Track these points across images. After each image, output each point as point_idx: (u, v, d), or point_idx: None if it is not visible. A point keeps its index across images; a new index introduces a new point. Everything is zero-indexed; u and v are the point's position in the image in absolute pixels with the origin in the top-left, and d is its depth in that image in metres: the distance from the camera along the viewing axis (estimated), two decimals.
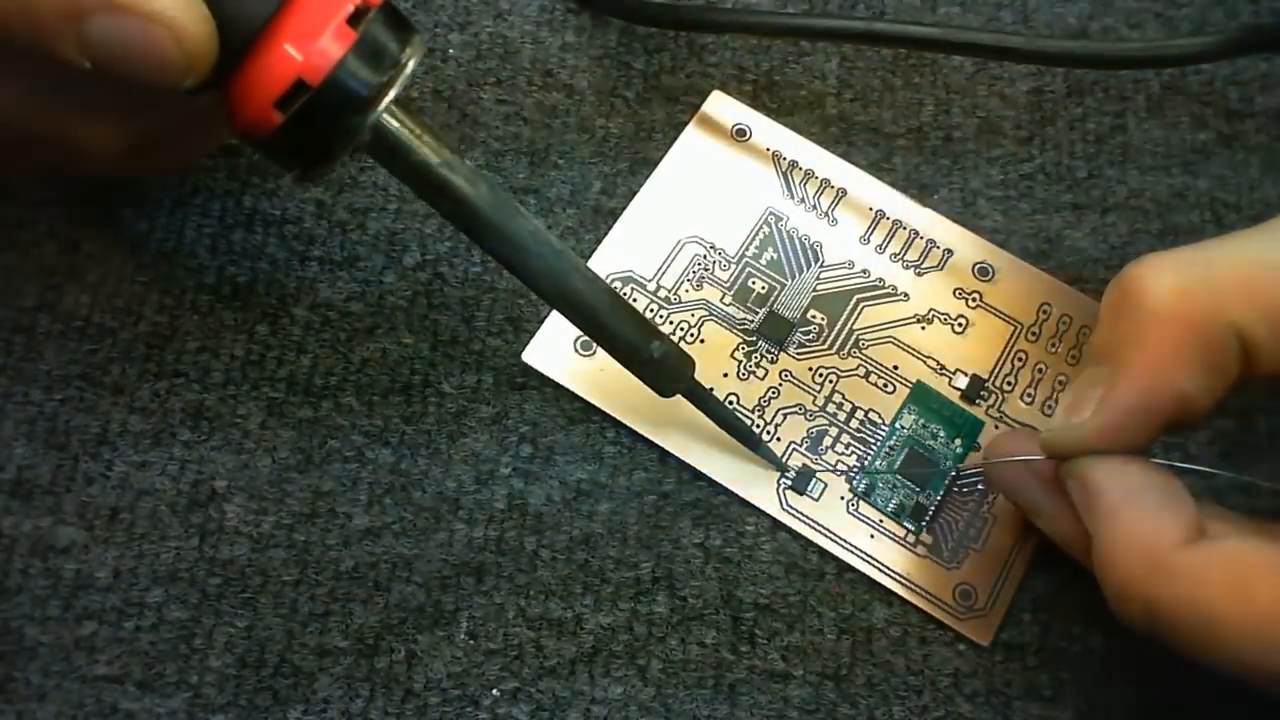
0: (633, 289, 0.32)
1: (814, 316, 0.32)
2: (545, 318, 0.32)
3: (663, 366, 0.28)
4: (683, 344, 0.32)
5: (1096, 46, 0.34)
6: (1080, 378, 0.26)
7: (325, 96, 0.24)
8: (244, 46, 0.24)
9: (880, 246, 0.33)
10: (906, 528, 0.30)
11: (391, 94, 0.24)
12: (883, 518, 0.30)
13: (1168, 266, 0.25)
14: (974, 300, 0.33)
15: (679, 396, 0.29)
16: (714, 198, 0.33)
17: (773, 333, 0.32)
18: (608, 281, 0.30)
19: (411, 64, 0.25)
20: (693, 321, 0.32)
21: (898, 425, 0.31)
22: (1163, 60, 0.33)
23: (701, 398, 0.29)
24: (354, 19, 0.24)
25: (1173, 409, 0.24)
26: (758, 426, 0.31)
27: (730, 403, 0.31)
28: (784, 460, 0.31)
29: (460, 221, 0.27)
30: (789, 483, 0.30)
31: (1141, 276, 0.25)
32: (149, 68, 0.23)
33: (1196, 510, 0.24)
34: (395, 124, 0.25)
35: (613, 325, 0.28)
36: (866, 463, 0.31)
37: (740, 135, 0.34)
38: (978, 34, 0.33)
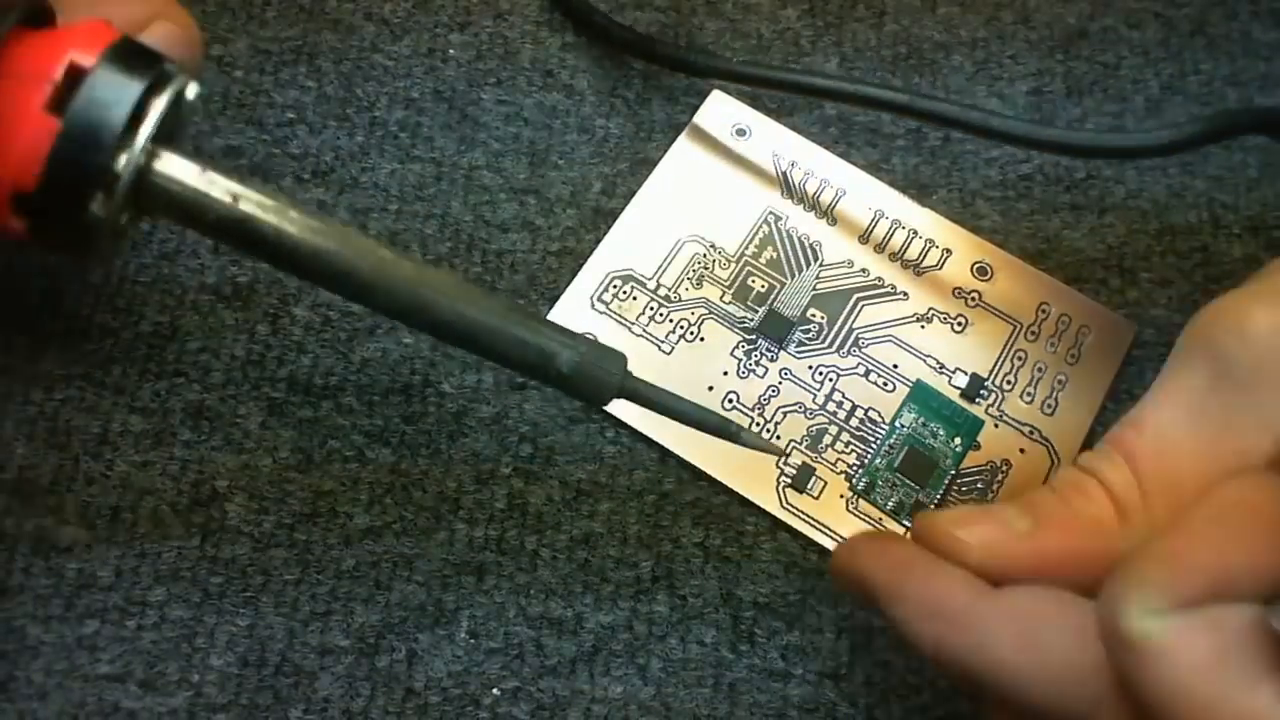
0: (633, 287, 0.32)
1: (814, 315, 0.32)
2: (545, 317, 0.32)
3: (577, 382, 0.24)
4: (682, 342, 0.32)
5: (1081, 137, 0.33)
6: (1016, 507, 0.25)
7: (65, 160, 0.21)
8: None
9: (880, 246, 0.33)
10: (906, 527, 0.30)
11: (145, 133, 0.22)
12: (882, 516, 0.30)
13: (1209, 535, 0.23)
14: (973, 300, 0.33)
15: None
16: (714, 197, 0.33)
17: (772, 331, 0.32)
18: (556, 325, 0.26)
19: (165, 98, 0.22)
20: (692, 320, 0.32)
21: (897, 424, 0.31)
22: (1123, 153, 0.33)
23: (646, 397, 0.25)
24: (63, 87, 0.21)
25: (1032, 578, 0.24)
26: (757, 425, 0.31)
27: (730, 401, 0.31)
28: (784, 461, 0.31)
29: (282, 264, 0.23)
30: (789, 481, 0.30)
31: (1098, 470, 0.25)
32: None
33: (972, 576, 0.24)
34: (169, 171, 0.22)
35: (502, 350, 0.24)
36: (868, 461, 0.31)
37: (740, 135, 0.34)
38: (945, 105, 0.32)
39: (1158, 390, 0.24)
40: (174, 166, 0.22)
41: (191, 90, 0.23)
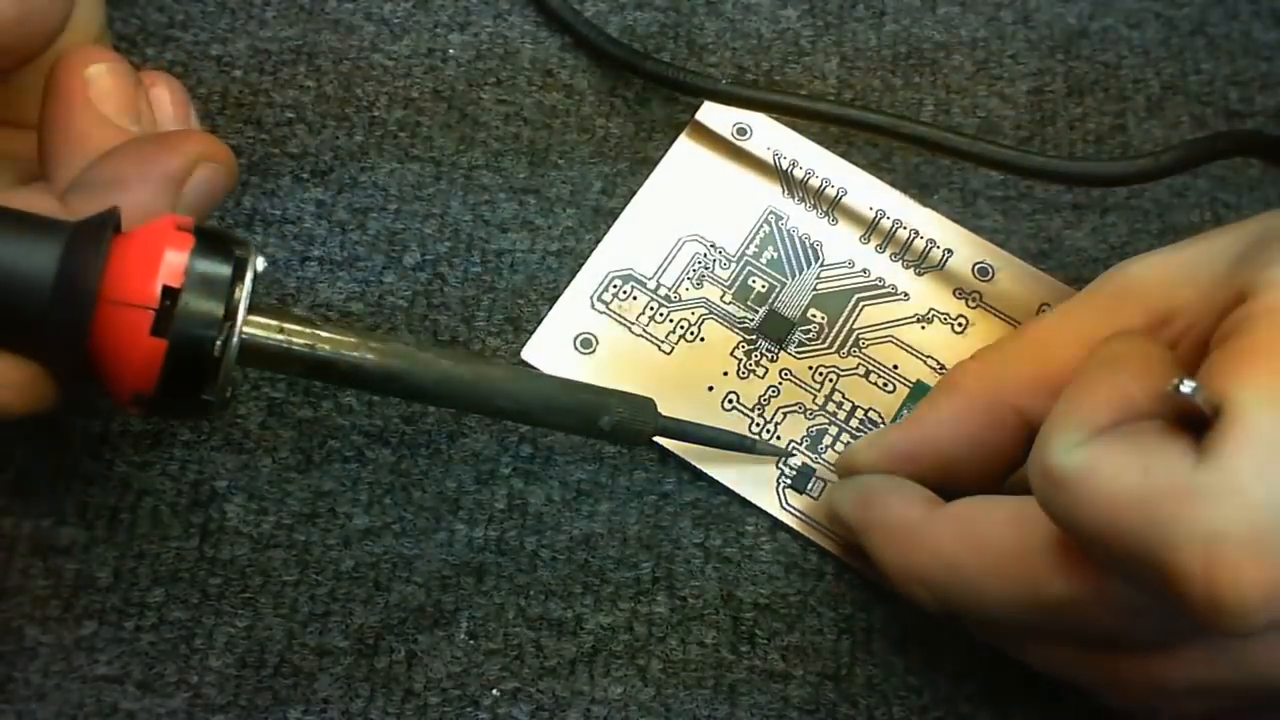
0: (633, 287, 0.32)
1: (814, 315, 0.32)
2: (544, 317, 0.32)
3: (619, 434, 0.28)
4: (682, 342, 0.32)
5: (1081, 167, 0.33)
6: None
7: (176, 369, 0.24)
8: (79, 368, 0.24)
9: (880, 246, 0.33)
10: None
11: (239, 325, 0.24)
12: None
13: (983, 351, 0.29)
14: (974, 300, 0.33)
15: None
16: (714, 197, 0.33)
17: (773, 331, 0.32)
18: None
19: (248, 282, 0.24)
20: (693, 320, 0.32)
21: None
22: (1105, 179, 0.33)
23: (676, 432, 0.30)
24: (163, 303, 0.24)
25: (932, 465, 0.28)
26: (757, 425, 0.31)
27: (730, 402, 0.31)
28: (778, 462, 0.31)
29: (360, 387, 0.26)
30: (789, 482, 0.30)
31: (962, 364, 0.29)
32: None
33: (928, 492, 0.27)
34: (259, 335, 0.25)
35: (554, 422, 0.28)
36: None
37: (740, 134, 0.34)
38: (928, 129, 0.32)
39: (1063, 302, 0.28)
40: (258, 330, 0.25)
41: (260, 263, 0.25)
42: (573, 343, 0.31)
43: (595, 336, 0.32)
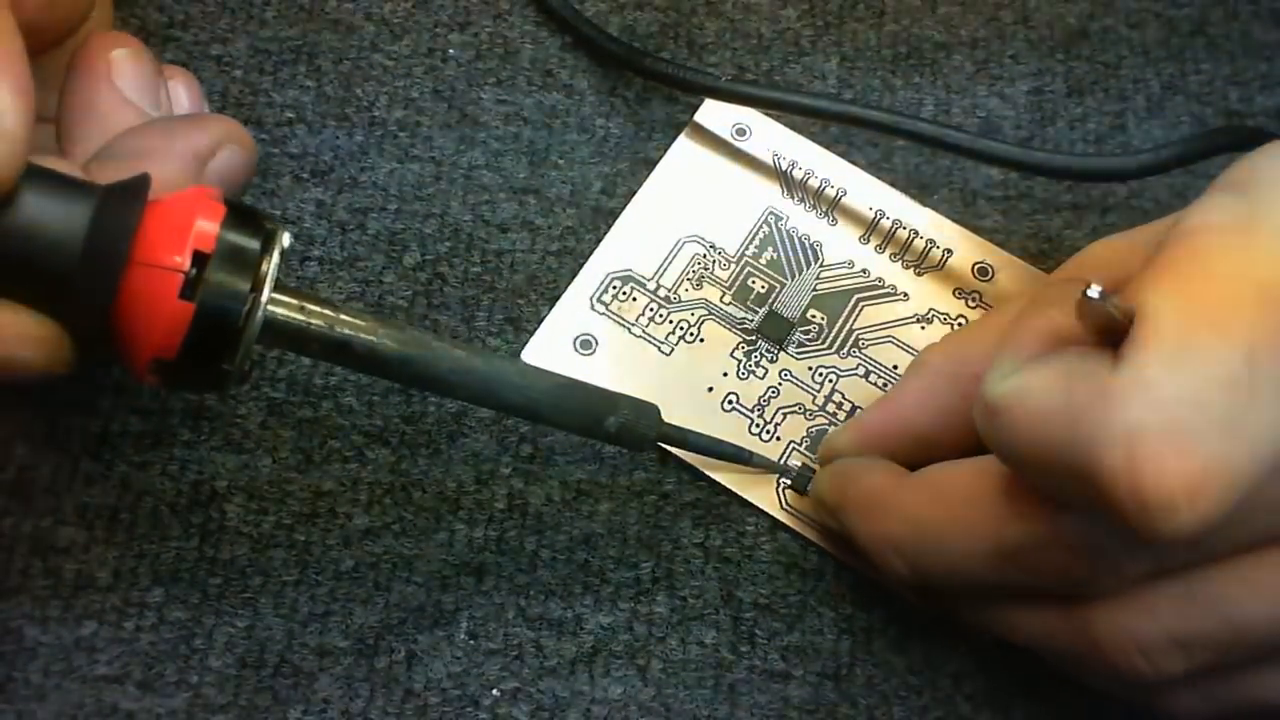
0: (633, 288, 0.32)
1: (814, 316, 0.32)
2: (544, 317, 0.32)
3: (623, 438, 0.28)
4: (682, 343, 0.32)
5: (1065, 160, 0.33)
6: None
7: (201, 335, 0.24)
8: (101, 330, 0.24)
9: (880, 246, 0.33)
10: None
11: (265, 298, 0.24)
12: None
13: (949, 334, 0.30)
14: (974, 300, 0.33)
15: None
16: (714, 197, 0.33)
17: (772, 332, 0.32)
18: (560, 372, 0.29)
19: (276, 256, 0.24)
20: (692, 321, 0.32)
21: None
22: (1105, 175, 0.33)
23: (679, 440, 0.30)
24: (193, 269, 0.24)
25: (906, 441, 0.28)
26: (757, 426, 0.31)
27: (730, 403, 0.31)
28: (783, 461, 0.31)
29: (375, 371, 0.26)
30: (789, 483, 0.30)
31: (929, 346, 0.29)
32: (13, 375, 0.25)
33: (898, 466, 0.28)
34: (281, 313, 0.25)
35: (560, 420, 0.28)
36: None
37: (740, 135, 0.34)
38: (929, 126, 0.32)
39: None
40: (280, 308, 0.25)
41: (287, 239, 0.25)
42: (573, 343, 0.31)
43: (595, 337, 0.32)
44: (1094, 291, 0.21)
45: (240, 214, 0.24)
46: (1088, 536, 0.23)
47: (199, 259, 0.24)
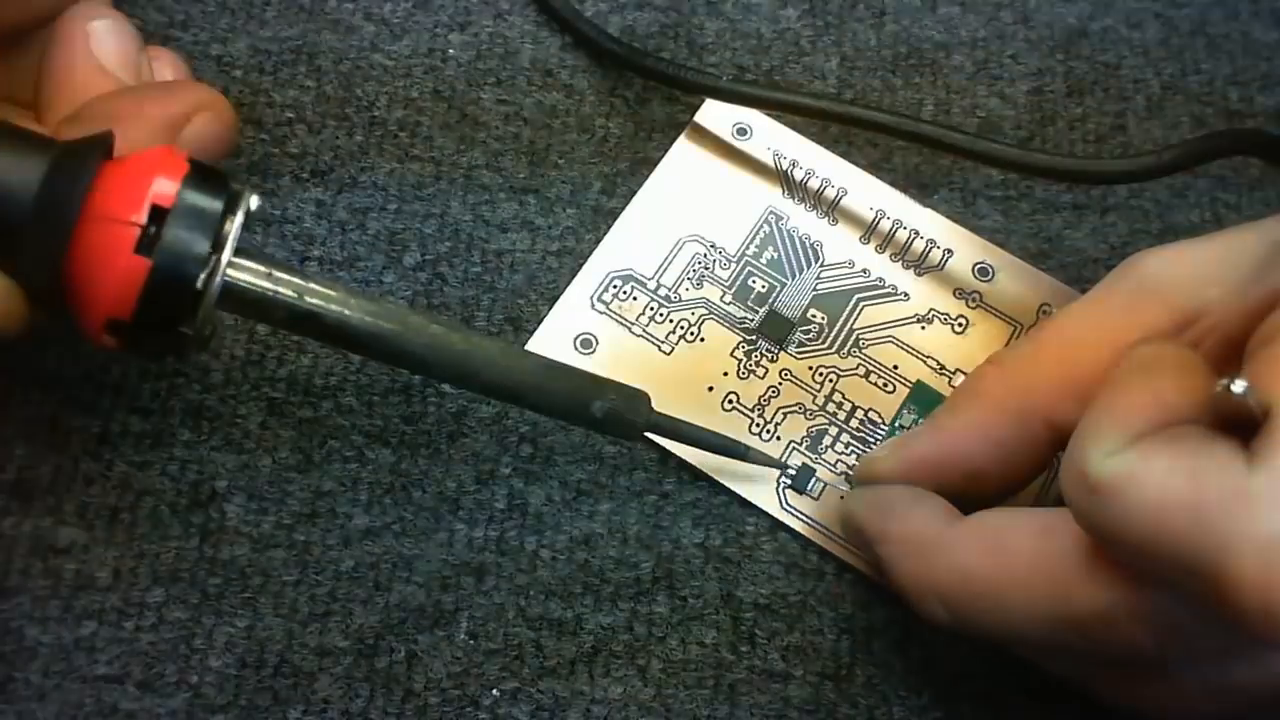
0: (633, 287, 0.32)
1: (814, 316, 0.32)
2: (544, 317, 0.32)
3: (610, 425, 0.28)
4: (682, 342, 0.32)
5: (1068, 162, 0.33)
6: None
7: (157, 293, 0.23)
8: (56, 289, 0.23)
9: (880, 246, 0.33)
10: None
11: (226, 258, 0.23)
12: None
13: (1004, 355, 0.28)
14: (974, 300, 0.33)
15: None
16: (714, 197, 0.33)
17: (773, 332, 0.32)
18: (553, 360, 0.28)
19: (240, 217, 0.24)
20: (693, 320, 0.32)
21: (898, 425, 0.31)
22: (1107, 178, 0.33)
23: (669, 429, 0.29)
24: (150, 224, 0.23)
25: (955, 475, 0.27)
26: (757, 425, 0.31)
27: (730, 402, 0.31)
28: (783, 460, 0.31)
29: (346, 345, 0.26)
30: (789, 482, 0.30)
31: (983, 369, 0.28)
32: None
33: (947, 504, 0.26)
34: (245, 278, 0.24)
35: (543, 404, 0.27)
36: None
37: (741, 134, 0.34)
38: (930, 127, 0.32)
39: (1080, 299, 0.28)
40: (244, 273, 0.24)
41: (254, 202, 0.24)
42: (573, 343, 0.31)
43: (595, 337, 0.32)
44: (1239, 387, 0.20)
45: (204, 173, 0.24)
46: (1168, 615, 0.22)
47: (158, 216, 0.23)
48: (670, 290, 0.32)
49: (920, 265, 0.33)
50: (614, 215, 0.33)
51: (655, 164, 0.34)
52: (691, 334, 0.32)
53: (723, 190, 0.33)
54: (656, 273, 0.32)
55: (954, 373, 0.32)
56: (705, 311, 0.32)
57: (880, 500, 0.27)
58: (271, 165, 0.33)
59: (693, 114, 0.34)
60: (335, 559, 0.29)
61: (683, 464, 0.30)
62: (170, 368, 0.30)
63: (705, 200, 0.33)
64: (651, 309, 0.32)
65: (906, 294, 0.33)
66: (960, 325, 0.32)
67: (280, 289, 0.24)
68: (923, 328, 0.32)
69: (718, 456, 0.30)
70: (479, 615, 0.29)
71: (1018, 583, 0.24)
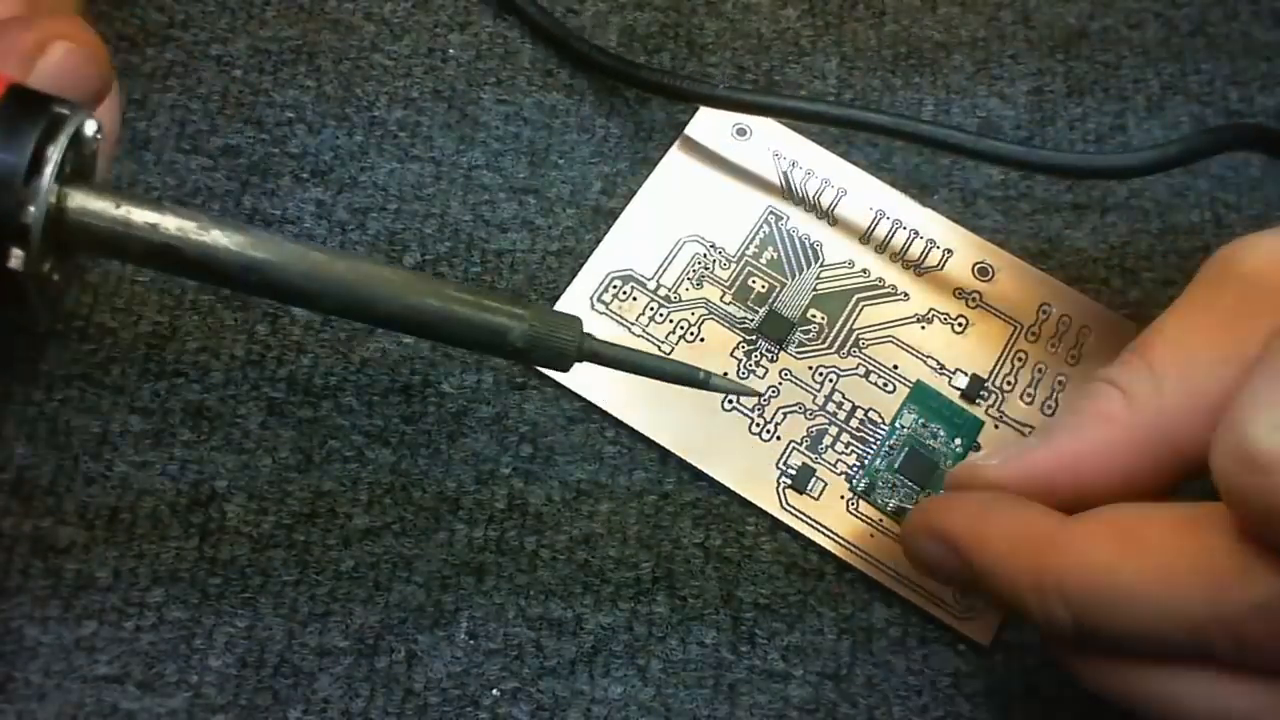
0: (633, 287, 0.32)
1: (814, 316, 0.32)
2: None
3: (535, 355, 0.24)
4: (682, 342, 0.32)
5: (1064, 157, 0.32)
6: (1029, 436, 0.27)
7: None
8: None
9: (880, 246, 0.33)
10: None
11: (45, 183, 0.22)
12: (883, 517, 0.30)
13: (1127, 378, 0.25)
14: (974, 300, 0.33)
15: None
16: (714, 197, 0.33)
17: (773, 332, 0.32)
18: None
19: (63, 140, 0.22)
20: (693, 320, 0.32)
21: (898, 425, 0.31)
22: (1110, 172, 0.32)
23: (610, 358, 0.26)
24: None
25: (1069, 495, 0.25)
26: (757, 425, 0.31)
27: (730, 401, 0.31)
28: (782, 462, 0.31)
29: (216, 280, 0.23)
30: (789, 482, 0.30)
31: (1106, 390, 0.25)
32: None
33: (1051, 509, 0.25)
34: (82, 206, 0.22)
35: (450, 333, 0.24)
36: (868, 462, 0.31)
37: (740, 135, 0.34)
38: (931, 128, 0.32)
39: (1174, 303, 0.26)
40: (88, 205, 0.22)
41: (90, 127, 0.23)
42: None
43: (595, 337, 0.31)
44: None
45: (22, 96, 0.22)
46: None
47: None
48: (670, 290, 0.32)
49: (920, 265, 0.33)
50: (614, 215, 0.33)
51: (655, 164, 0.34)
52: (691, 334, 0.32)
53: (722, 190, 0.33)
54: (656, 273, 0.32)
55: (954, 372, 0.32)
56: (705, 311, 0.32)
57: (975, 505, 0.26)
58: (271, 165, 0.33)
59: (693, 114, 0.34)
60: (335, 559, 0.29)
61: (683, 464, 0.30)
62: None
63: (705, 200, 0.33)
64: (651, 309, 0.32)
65: (906, 294, 0.33)
66: (960, 325, 0.32)
67: (131, 219, 0.22)
68: (923, 327, 0.32)
69: (718, 453, 0.30)
70: (479, 615, 0.29)
71: (1160, 579, 0.22)
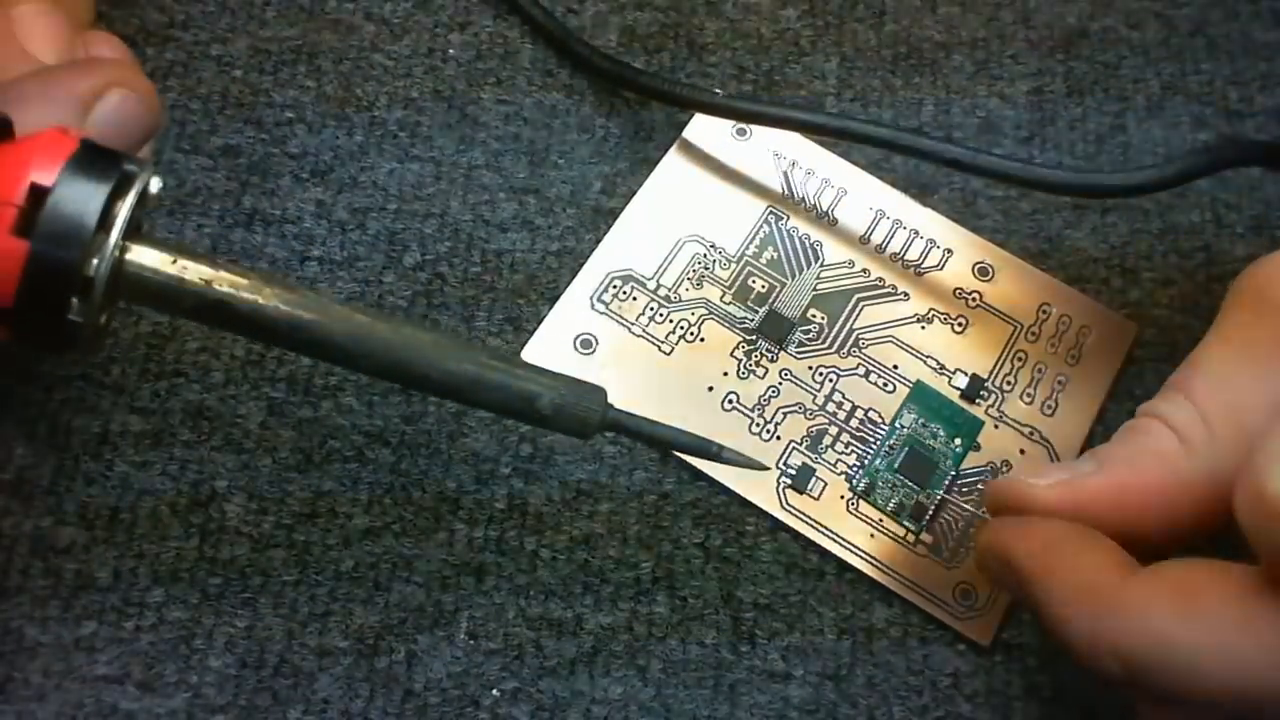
0: (633, 287, 0.32)
1: (814, 316, 0.32)
2: (544, 317, 0.32)
3: (561, 421, 0.25)
4: (682, 342, 0.32)
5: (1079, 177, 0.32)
6: (1088, 453, 0.27)
7: (37, 277, 0.22)
8: None
9: (880, 246, 0.33)
10: (906, 527, 0.30)
11: (113, 241, 0.22)
12: (883, 517, 0.30)
13: (1179, 419, 0.25)
14: (974, 300, 0.33)
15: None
16: (714, 197, 0.33)
17: (773, 332, 0.32)
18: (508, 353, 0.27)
19: (131, 198, 0.22)
20: (693, 320, 0.32)
21: (897, 424, 0.31)
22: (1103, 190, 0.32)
23: (630, 428, 0.26)
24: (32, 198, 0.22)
25: (1124, 525, 0.25)
26: (757, 425, 0.31)
27: (730, 402, 0.31)
28: (782, 461, 0.31)
29: (262, 337, 0.24)
30: (789, 482, 0.30)
31: (1156, 428, 0.25)
32: None
33: (1122, 550, 0.25)
34: (143, 262, 0.23)
35: (484, 400, 0.25)
36: (868, 462, 0.31)
37: (740, 135, 0.34)
38: (927, 141, 0.31)
39: (1211, 335, 0.26)
40: (147, 259, 0.23)
41: (154, 185, 0.23)
42: (573, 343, 0.31)
43: (595, 337, 0.32)
44: None
45: (94, 153, 0.22)
46: None
47: (39, 193, 0.22)
48: (670, 290, 0.32)
49: (920, 265, 0.33)
50: (614, 215, 0.33)
51: (655, 164, 0.34)
52: (691, 334, 0.32)
53: (722, 191, 0.33)
54: (656, 273, 0.32)
55: (954, 372, 0.32)
56: (705, 311, 0.32)
57: (1045, 538, 0.25)
58: (271, 165, 0.33)
59: (693, 114, 0.34)
60: (335, 559, 0.29)
61: (683, 464, 0.30)
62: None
63: (705, 200, 0.33)
64: (651, 309, 0.32)
65: (906, 294, 0.33)
66: (960, 325, 0.32)
67: (186, 276, 0.23)
68: (923, 327, 0.32)
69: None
70: (479, 615, 0.29)
71: (1220, 645, 0.22)
